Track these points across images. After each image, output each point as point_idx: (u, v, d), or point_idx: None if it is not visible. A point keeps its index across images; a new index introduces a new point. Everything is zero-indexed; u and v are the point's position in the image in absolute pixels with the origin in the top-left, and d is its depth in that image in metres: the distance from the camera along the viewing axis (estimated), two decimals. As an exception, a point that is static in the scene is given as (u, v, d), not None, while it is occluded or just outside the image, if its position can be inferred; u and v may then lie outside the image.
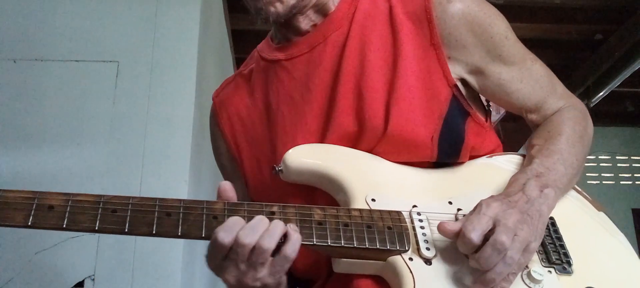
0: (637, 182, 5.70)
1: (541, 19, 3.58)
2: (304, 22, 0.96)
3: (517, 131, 4.36)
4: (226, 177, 1.09)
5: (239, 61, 4.03)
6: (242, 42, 3.86)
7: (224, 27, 3.37)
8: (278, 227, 0.73)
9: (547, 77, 0.97)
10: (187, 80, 2.30)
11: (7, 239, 2.02)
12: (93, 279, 2.00)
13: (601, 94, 4.14)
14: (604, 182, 5.55)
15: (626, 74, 3.86)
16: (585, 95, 4.18)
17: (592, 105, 4.20)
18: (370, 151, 0.88)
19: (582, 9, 3.62)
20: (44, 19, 2.31)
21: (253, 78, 1.04)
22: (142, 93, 2.25)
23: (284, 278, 0.76)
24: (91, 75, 2.26)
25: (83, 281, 2.00)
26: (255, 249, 0.71)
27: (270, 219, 0.74)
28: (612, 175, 5.65)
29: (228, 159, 1.06)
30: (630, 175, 5.71)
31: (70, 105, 2.20)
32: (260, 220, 0.73)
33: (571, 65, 4.16)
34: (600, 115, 4.94)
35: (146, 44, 2.32)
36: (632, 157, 5.72)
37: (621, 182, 5.66)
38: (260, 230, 0.72)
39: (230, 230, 0.71)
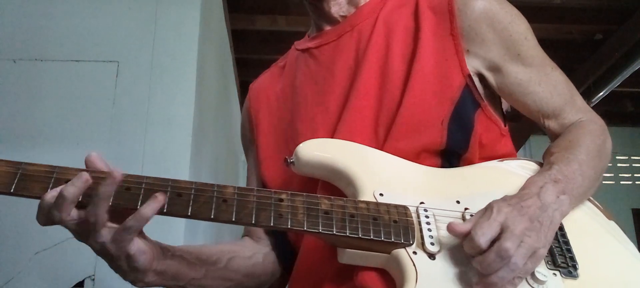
0: (637, 182, 5.71)
1: (541, 19, 3.59)
2: (334, 8, 1.02)
3: (518, 131, 4.37)
4: (248, 159, 1.14)
5: (239, 61, 4.04)
6: (242, 42, 3.87)
7: (224, 27, 3.38)
8: (81, 177, 0.72)
9: (566, 86, 0.97)
10: (187, 80, 2.30)
11: (7, 239, 2.02)
12: (93, 279, 2.00)
13: (601, 94, 4.15)
14: (604, 182, 5.52)
15: (626, 74, 3.87)
16: (585, 95, 4.18)
17: (592, 105, 4.21)
18: (385, 135, 0.90)
19: (582, 9, 3.63)
20: (44, 19, 2.31)
21: (286, 67, 1.11)
22: (142, 93, 2.25)
23: (138, 254, 0.76)
24: (91, 75, 2.25)
25: (83, 281, 2.00)
26: (57, 199, 0.71)
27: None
28: (612, 175, 5.67)
29: (249, 140, 1.12)
30: (630, 175, 5.72)
31: (70, 105, 2.20)
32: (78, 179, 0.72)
33: (571, 65, 4.16)
34: (600, 115, 4.94)
35: (146, 44, 2.32)
36: (632, 157, 5.73)
37: (621, 182, 5.67)
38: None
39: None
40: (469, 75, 0.92)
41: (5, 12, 2.31)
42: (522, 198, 0.78)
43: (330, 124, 0.94)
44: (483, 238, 0.72)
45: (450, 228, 0.76)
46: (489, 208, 0.76)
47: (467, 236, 0.73)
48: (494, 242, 0.72)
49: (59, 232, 2.14)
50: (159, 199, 0.72)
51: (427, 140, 0.89)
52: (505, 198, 0.78)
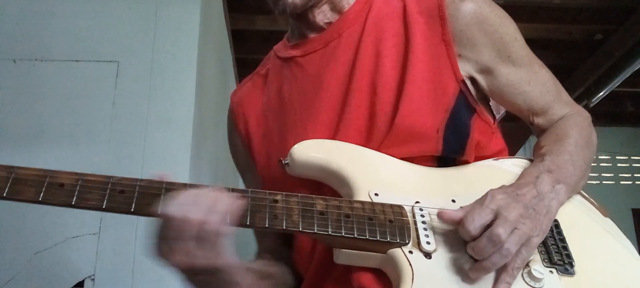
0: (637, 182, 5.70)
1: (541, 19, 3.58)
2: (319, 17, 0.99)
3: (517, 131, 4.37)
4: (241, 173, 1.12)
5: (239, 61, 4.03)
6: (242, 42, 3.87)
7: (224, 27, 3.38)
8: (222, 202, 0.72)
9: (553, 83, 0.99)
10: (187, 80, 2.30)
11: (7, 239, 2.02)
12: (93, 279, 2.00)
13: (601, 94, 4.14)
14: (604, 182, 5.55)
15: (626, 74, 3.86)
16: (585, 95, 4.18)
17: (592, 105, 4.20)
18: (379, 144, 0.89)
19: (582, 9, 3.62)
20: (44, 19, 2.31)
21: (269, 77, 1.07)
22: (142, 93, 2.25)
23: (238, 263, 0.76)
24: (91, 75, 2.26)
25: (83, 281, 2.00)
26: (202, 225, 0.70)
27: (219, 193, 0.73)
28: (612, 175, 5.66)
29: (242, 155, 1.09)
30: (630, 175, 5.71)
31: (70, 105, 2.20)
32: (204, 196, 0.72)
33: (571, 65, 4.16)
34: (600, 115, 4.94)
35: (146, 44, 2.32)
36: (632, 157, 5.72)
37: (621, 182, 5.66)
38: (204, 206, 0.71)
39: (180, 204, 0.71)
40: (463, 81, 0.92)
41: (5, 12, 2.31)
42: (518, 187, 0.80)
43: (324, 137, 0.93)
44: (473, 224, 0.73)
45: (441, 215, 0.77)
46: (485, 195, 0.78)
47: (460, 222, 0.75)
48: (487, 227, 0.73)
49: (59, 232, 2.14)
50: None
51: (423, 148, 0.89)
52: (502, 187, 0.79)
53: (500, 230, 0.72)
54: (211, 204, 0.71)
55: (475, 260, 0.75)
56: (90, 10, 2.34)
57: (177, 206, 0.70)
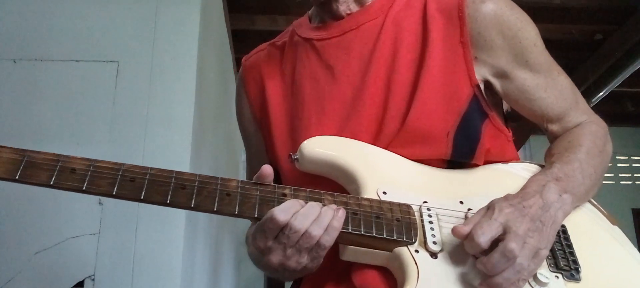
0: (637, 182, 5.70)
1: (541, 19, 3.58)
2: (343, 7, 0.98)
3: (518, 131, 4.36)
4: (245, 139, 1.10)
5: (238, 61, 4.03)
6: (242, 42, 3.87)
7: (224, 27, 3.38)
8: (326, 216, 0.75)
9: (571, 90, 0.97)
10: (187, 80, 2.30)
11: (7, 239, 2.02)
12: (93, 279, 2.00)
13: (601, 94, 4.15)
14: (604, 182, 5.52)
15: (626, 74, 3.87)
16: (585, 95, 4.17)
17: (592, 105, 4.20)
18: (388, 144, 0.88)
19: (582, 9, 3.62)
20: (44, 19, 2.31)
21: (285, 51, 1.06)
22: (142, 93, 2.25)
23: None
24: (91, 75, 2.25)
25: (83, 281, 2.00)
26: (304, 235, 0.74)
27: (322, 205, 0.77)
28: (612, 175, 5.66)
29: (250, 121, 1.08)
30: (630, 175, 5.72)
31: (70, 105, 2.20)
32: (313, 208, 0.75)
33: (571, 65, 4.16)
34: (600, 115, 4.93)
35: (146, 44, 2.31)
36: (632, 157, 5.73)
37: (621, 182, 5.66)
38: (311, 218, 0.74)
39: (287, 211, 0.74)
40: (477, 85, 0.90)
41: (5, 12, 2.30)
42: (524, 197, 0.78)
43: (333, 130, 0.92)
44: (483, 237, 0.72)
45: (454, 231, 0.76)
46: (490, 207, 0.76)
47: (467, 237, 0.74)
48: (496, 242, 0.72)
49: (58, 232, 2.14)
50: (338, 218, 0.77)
51: (432, 151, 0.88)
52: (506, 198, 0.78)
53: (513, 244, 0.71)
54: (317, 217, 0.75)
55: (485, 275, 0.73)
56: (90, 10, 2.34)
57: (285, 212, 0.74)
